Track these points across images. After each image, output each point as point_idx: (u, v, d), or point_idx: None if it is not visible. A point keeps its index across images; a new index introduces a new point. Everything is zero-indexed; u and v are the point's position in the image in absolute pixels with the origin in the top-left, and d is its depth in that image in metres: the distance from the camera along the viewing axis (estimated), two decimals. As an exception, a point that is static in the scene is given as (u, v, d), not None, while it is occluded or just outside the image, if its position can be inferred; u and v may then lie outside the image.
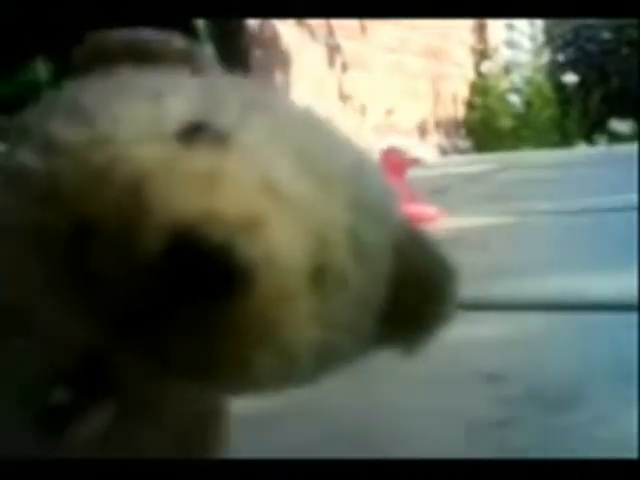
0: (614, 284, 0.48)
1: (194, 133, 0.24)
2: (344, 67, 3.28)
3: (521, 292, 0.48)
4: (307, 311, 0.23)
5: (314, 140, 0.26)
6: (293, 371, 0.24)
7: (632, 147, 2.61)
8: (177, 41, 0.29)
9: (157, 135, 0.24)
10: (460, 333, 0.41)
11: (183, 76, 0.28)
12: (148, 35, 0.29)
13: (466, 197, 1.17)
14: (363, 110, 3.39)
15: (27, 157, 0.24)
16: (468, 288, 0.53)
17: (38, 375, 0.25)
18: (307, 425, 0.30)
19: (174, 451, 0.28)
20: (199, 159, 0.23)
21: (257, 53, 2.70)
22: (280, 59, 2.82)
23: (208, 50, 2.68)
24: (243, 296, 0.21)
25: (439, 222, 0.77)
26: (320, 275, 0.24)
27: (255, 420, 0.32)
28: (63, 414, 0.25)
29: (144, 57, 0.28)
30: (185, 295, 0.21)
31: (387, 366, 0.36)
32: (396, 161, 0.85)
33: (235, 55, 2.63)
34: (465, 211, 0.94)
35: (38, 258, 0.24)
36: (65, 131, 0.24)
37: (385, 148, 0.87)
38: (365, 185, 0.27)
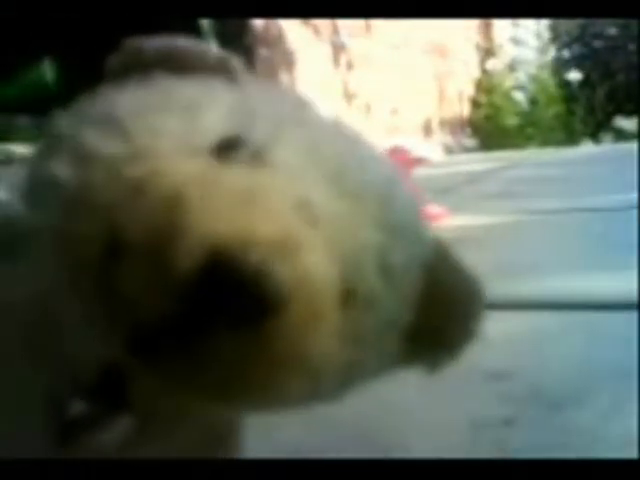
0: (619, 283, 0.48)
1: (230, 148, 0.24)
2: (349, 66, 3.28)
3: (527, 291, 0.48)
4: (336, 332, 0.23)
5: (347, 157, 0.26)
6: (320, 389, 0.24)
7: (637, 145, 2.60)
8: (214, 51, 0.29)
9: (193, 150, 0.24)
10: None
11: (218, 88, 0.27)
12: (185, 44, 0.28)
13: (471, 196, 1.17)
14: (368, 109, 3.39)
15: (60, 168, 0.24)
16: None
17: (58, 387, 0.25)
18: (309, 424, 0.30)
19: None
20: (235, 177, 0.23)
21: (262, 52, 2.70)
22: (285, 58, 2.82)
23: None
24: (275, 320, 0.21)
25: (444, 221, 0.77)
26: (350, 296, 0.24)
27: (257, 420, 0.32)
28: (81, 426, 0.25)
29: (180, 67, 0.28)
30: (218, 317, 0.21)
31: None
32: (401, 160, 0.85)
33: (240, 54, 2.63)
34: (470, 210, 0.95)
35: (68, 271, 0.23)
36: (100, 143, 0.24)
37: (390, 147, 0.88)
38: (396, 204, 0.26)
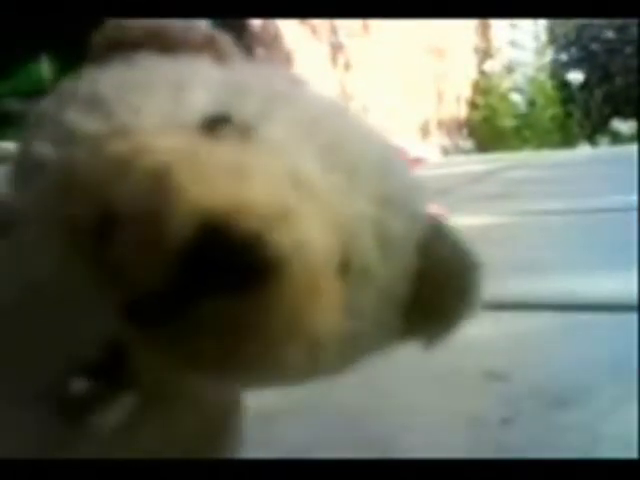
0: (617, 284, 0.48)
1: (217, 125, 0.24)
2: (346, 66, 3.28)
3: (524, 292, 0.48)
4: (334, 303, 0.23)
5: (341, 133, 0.26)
6: (319, 362, 0.24)
7: (635, 148, 2.61)
8: (199, 28, 0.29)
9: (179, 126, 0.24)
10: (463, 332, 0.41)
11: (205, 66, 0.27)
12: (170, 23, 0.28)
13: (469, 197, 1.17)
14: (365, 109, 3.39)
15: (44, 148, 0.24)
16: None
17: (60, 365, 0.25)
18: (309, 423, 0.30)
19: (193, 442, 0.28)
20: (224, 151, 0.23)
21: (260, 52, 2.70)
22: (282, 58, 2.82)
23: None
24: (273, 287, 0.21)
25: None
26: (346, 266, 0.24)
27: (257, 418, 0.32)
28: (84, 404, 0.25)
29: (165, 45, 0.27)
30: (214, 285, 0.21)
31: (391, 364, 0.36)
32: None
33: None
34: (468, 211, 0.95)
35: (62, 247, 0.23)
36: (84, 121, 0.24)
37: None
38: (392, 179, 0.27)
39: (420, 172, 0.85)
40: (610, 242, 0.65)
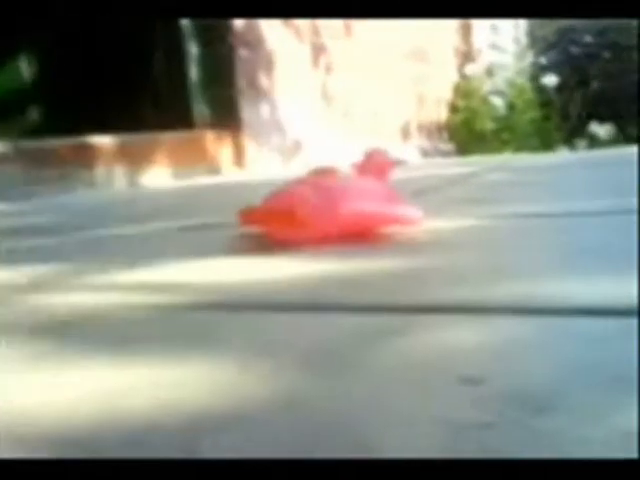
0: (593, 288, 0.49)
1: None
2: (328, 68, 3.29)
3: (501, 295, 0.49)
4: None
5: None
6: None
7: (612, 152, 2.64)
8: None
9: None
10: (439, 336, 0.42)
11: None
12: None
13: (448, 199, 1.19)
14: (347, 111, 3.40)
15: None
16: (449, 290, 0.55)
17: None
18: (282, 429, 0.30)
19: None
20: None
21: (242, 53, 2.70)
22: (265, 59, 2.83)
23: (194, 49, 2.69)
24: None
25: (421, 224, 0.78)
26: None
27: (234, 417, 0.32)
28: None
29: None
30: None
31: (364, 371, 0.37)
32: (379, 162, 0.86)
33: (220, 54, 2.64)
34: (447, 213, 0.96)
35: None
36: None
37: (368, 150, 0.89)
38: None
39: (399, 174, 0.86)
40: (589, 246, 0.66)
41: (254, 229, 0.81)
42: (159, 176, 2.31)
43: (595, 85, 5.38)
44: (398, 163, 0.87)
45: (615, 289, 0.48)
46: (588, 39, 5.99)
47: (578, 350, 0.37)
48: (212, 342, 0.45)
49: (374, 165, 0.86)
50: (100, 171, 2.14)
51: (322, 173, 0.80)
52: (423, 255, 0.68)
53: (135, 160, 2.26)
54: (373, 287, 0.57)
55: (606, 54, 5.82)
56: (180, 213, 1.32)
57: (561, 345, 0.38)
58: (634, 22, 5.60)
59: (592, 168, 1.72)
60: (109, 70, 2.60)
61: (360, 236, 0.75)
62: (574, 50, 5.90)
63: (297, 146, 3.02)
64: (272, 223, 0.76)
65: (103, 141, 2.18)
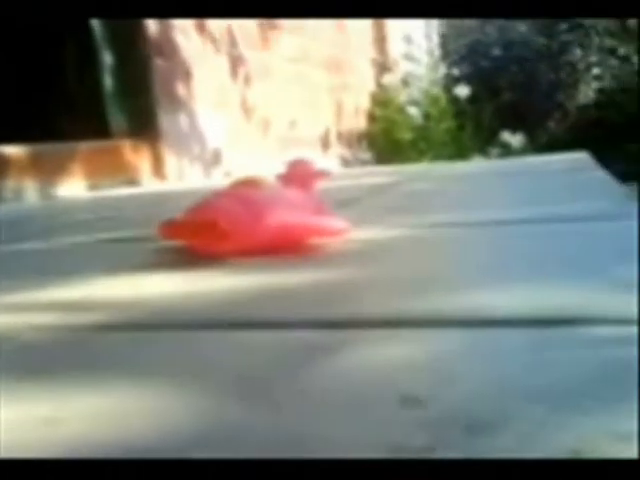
0: (520, 299, 0.49)
1: None
2: (247, 79, 3.27)
3: (430, 308, 0.49)
4: None
5: None
6: None
7: (523, 161, 2.73)
8: None
9: None
10: (373, 352, 0.41)
11: None
12: None
13: (372, 209, 1.19)
14: (266, 122, 3.39)
15: None
16: (379, 303, 0.54)
17: None
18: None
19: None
20: None
21: (158, 62, 2.65)
22: (182, 69, 2.78)
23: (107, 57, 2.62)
24: None
25: (347, 234, 0.77)
26: None
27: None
28: None
29: None
30: None
31: (297, 392, 0.35)
32: (304, 173, 0.85)
33: (135, 63, 2.58)
34: (371, 223, 0.95)
35: None
36: None
37: (292, 160, 0.87)
38: None
39: (322, 184, 0.86)
40: (516, 255, 0.67)
41: (176, 242, 0.78)
42: (74, 188, 2.23)
43: (505, 96, 5.58)
44: (323, 174, 0.86)
45: (540, 298, 0.48)
46: (496, 52, 6.23)
47: (512, 363, 0.37)
48: (131, 365, 0.43)
49: (298, 176, 0.84)
50: (9, 184, 2.04)
51: (246, 183, 0.78)
52: (351, 267, 0.67)
53: (48, 171, 2.16)
54: (300, 301, 0.55)
55: (514, 67, 6.07)
56: (97, 226, 1.27)
57: (496, 357, 0.38)
58: (540, 38, 5.84)
59: (507, 177, 1.77)
60: (20, 78, 2.50)
61: (287, 248, 0.73)
62: (484, 63, 6.13)
63: (217, 156, 2.99)
64: (194, 236, 0.73)
65: (11, 151, 2.08)
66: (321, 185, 0.88)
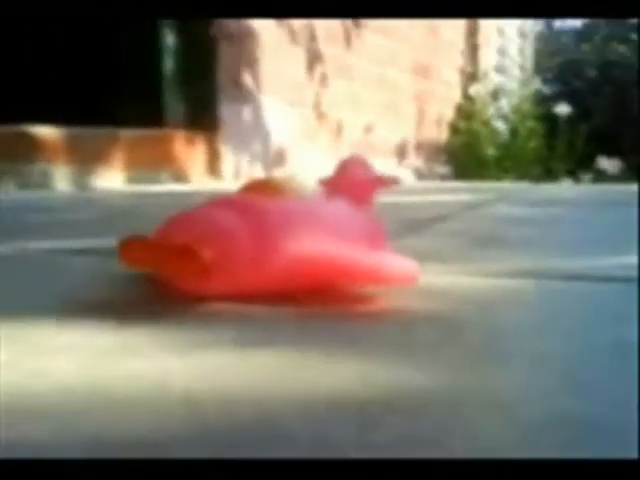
0: None
1: None
2: (323, 77, 3.02)
3: None
4: None
5: None
6: None
7: (620, 187, 2.37)
8: None
9: None
10: None
11: None
12: None
13: (448, 238, 0.89)
14: (340, 124, 3.12)
15: None
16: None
17: None
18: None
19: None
20: None
21: (225, 46, 2.41)
22: (251, 56, 2.53)
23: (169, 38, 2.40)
24: None
25: (415, 282, 0.47)
26: None
27: None
28: None
29: None
30: None
31: None
32: (357, 178, 0.57)
33: (199, 46, 2.34)
34: (452, 263, 0.66)
35: None
36: None
37: (344, 159, 0.59)
38: None
39: (387, 197, 0.57)
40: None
41: (143, 269, 0.50)
42: (111, 179, 1.98)
43: (599, 118, 5.24)
44: (387, 181, 0.58)
45: None
46: (591, 73, 5.95)
47: None
48: None
49: (350, 182, 0.56)
50: (38, 167, 1.82)
51: (261, 188, 0.50)
52: (415, 347, 0.39)
53: (83, 158, 1.93)
54: (330, 422, 0.27)
55: (608, 89, 5.76)
56: (85, 229, 1.00)
57: None
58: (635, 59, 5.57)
59: (604, 206, 1.45)
60: (67, 57, 2.29)
61: (310, 295, 0.45)
62: (577, 83, 5.84)
63: (281, 156, 2.73)
64: (164, 265, 0.45)
65: (45, 132, 1.85)
66: (385, 199, 0.60)
